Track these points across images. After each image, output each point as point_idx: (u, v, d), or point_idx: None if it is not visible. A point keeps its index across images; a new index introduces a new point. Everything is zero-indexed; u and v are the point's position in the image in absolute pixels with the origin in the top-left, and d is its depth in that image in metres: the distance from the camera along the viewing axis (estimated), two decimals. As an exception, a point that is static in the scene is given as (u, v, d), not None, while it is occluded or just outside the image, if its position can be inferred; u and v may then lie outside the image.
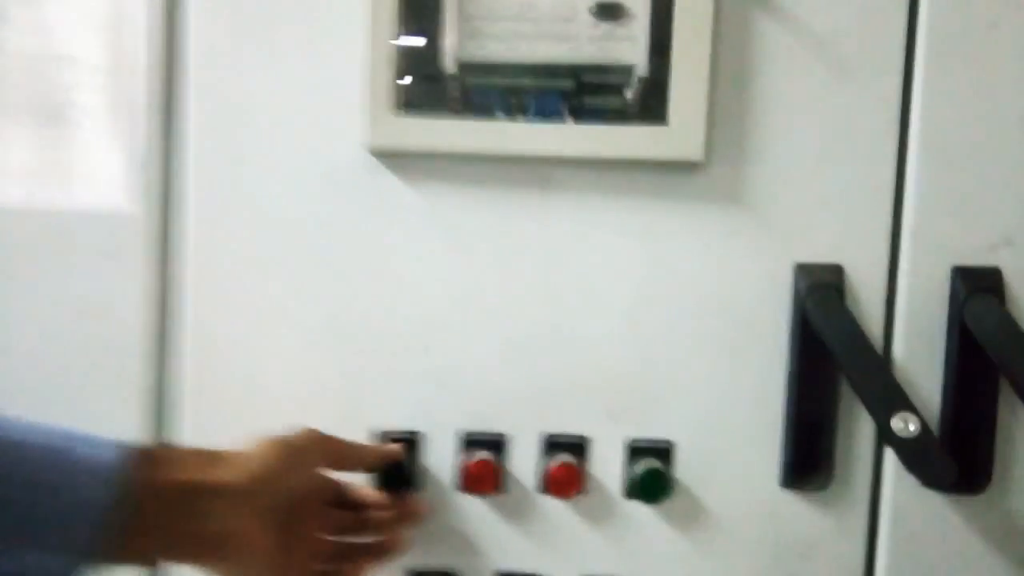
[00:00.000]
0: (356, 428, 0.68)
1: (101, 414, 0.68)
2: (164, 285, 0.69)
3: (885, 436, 0.61)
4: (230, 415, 0.69)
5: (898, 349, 0.67)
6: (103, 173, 0.68)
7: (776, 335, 0.68)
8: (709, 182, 0.67)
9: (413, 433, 0.69)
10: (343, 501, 0.65)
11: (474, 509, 0.69)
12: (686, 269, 0.68)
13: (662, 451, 0.68)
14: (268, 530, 0.53)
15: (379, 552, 0.64)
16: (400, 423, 0.69)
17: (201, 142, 0.69)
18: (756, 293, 0.68)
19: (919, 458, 0.58)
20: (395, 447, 0.67)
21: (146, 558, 0.51)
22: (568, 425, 0.69)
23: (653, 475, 0.67)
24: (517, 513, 0.69)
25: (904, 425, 0.61)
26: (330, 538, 0.62)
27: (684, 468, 0.69)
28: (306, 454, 0.57)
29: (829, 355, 0.65)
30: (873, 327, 0.67)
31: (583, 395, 0.69)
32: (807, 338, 0.66)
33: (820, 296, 0.65)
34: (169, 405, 0.70)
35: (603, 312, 0.68)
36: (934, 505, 0.68)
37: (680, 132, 0.65)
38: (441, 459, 0.69)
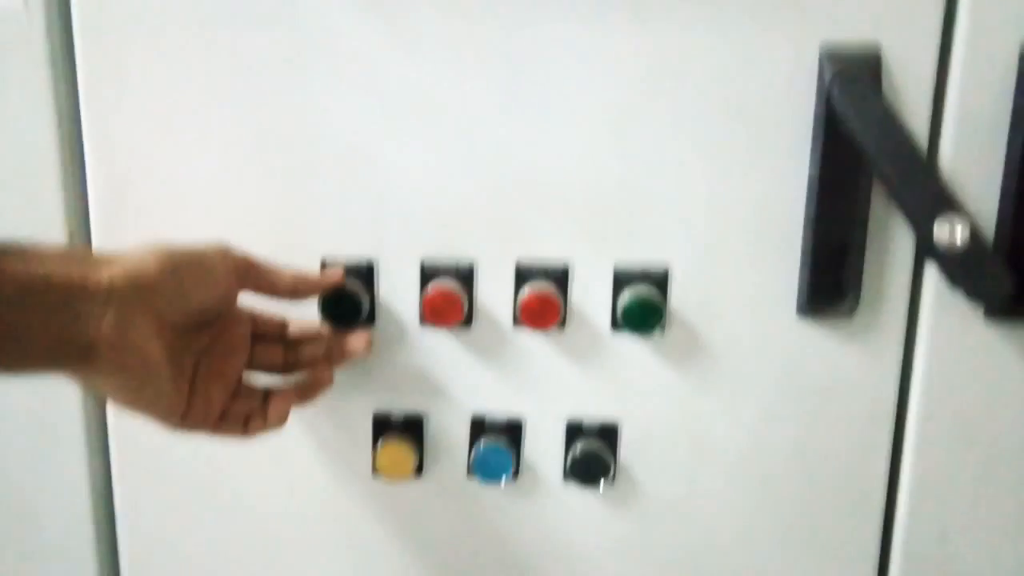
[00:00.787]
0: (299, 258, 0.59)
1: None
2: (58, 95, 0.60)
3: (926, 245, 0.50)
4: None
5: (946, 149, 0.54)
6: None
7: (797, 135, 0.55)
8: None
9: (365, 262, 0.60)
10: (272, 335, 0.57)
11: (441, 346, 0.61)
12: (686, 58, 0.55)
13: (655, 277, 0.58)
14: (155, 345, 0.46)
15: (303, 391, 0.56)
16: (351, 251, 0.60)
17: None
18: (773, 85, 0.55)
19: (966, 269, 0.48)
20: (332, 272, 0.58)
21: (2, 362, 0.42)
22: (545, 251, 0.59)
23: (643, 303, 0.57)
24: (489, 349, 0.61)
25: (949, 231, 0.49)
26: (253, 375, 0.55)
27: (682, 295, 0.58)
28: (213, 269, 0.49)
29: (860, 157, 0.53)
30: (917, 123, 0.54)
31: (561, 215, 0.58)
32: (834, 137, 0.54)
33: (851, 84, 0.53)
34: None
35: (585, 115, 0.56)
36: (979, 335, 0.57)
37: None
38: (401, 291, 0.60)
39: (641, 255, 0.58)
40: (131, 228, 0.59)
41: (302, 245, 0.60)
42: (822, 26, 0.54)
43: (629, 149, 0.57)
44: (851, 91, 0.52)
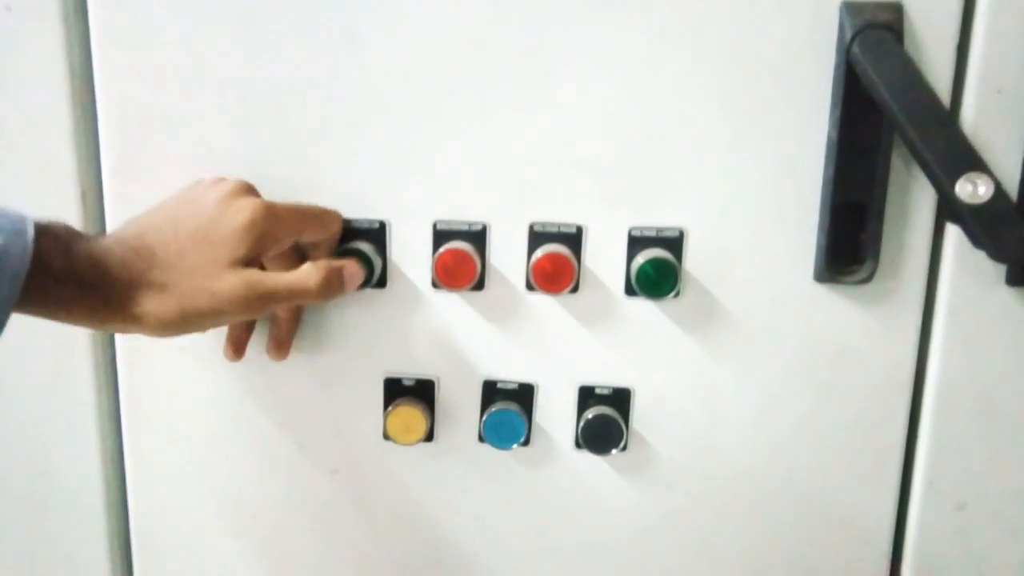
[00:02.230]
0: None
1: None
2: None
3: (948, 203, 0.49)
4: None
5: (969, 105, 0.53)
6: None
7: (816, 93, 0.54)
8: None
9: (376, 223, 0.59)
10: None
11: (452, 309, 0.60)
12: (702, 15, 0.54)
13: (670, 240, 0.57)
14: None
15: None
16: (362, 213, 0.59)
17: None
18: (790, 40, 0.54)
19: (990, 227, 0.47)
20: (330, 211, 0.58)
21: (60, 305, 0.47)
22: (558, 213, 0.58)
23: (658, 266, 0.56)
24: (501, 313, 0.60)
25: (973, 188, 0.48)
26: None
27: (696, 259, 0.58)
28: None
29: (881, 115, 0.52)
30: (939, 79, 0.53)
31: (575, 176, 0.57)
32: (854, 94, 0.53)
33: (872, 39, 0.52)
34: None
35: (600, 74, 0.56)
36: (1000, 301, 0.56)
37: None
38: (413, 253, 0.60)
39: (656, 217, 0.57)
40: (144, 186, 0.59)
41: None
42: (842, -18, 0.53)
43: (644, 109, 0.56)
44: (872, 46, 0.51)
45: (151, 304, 0.48)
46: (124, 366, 0.64)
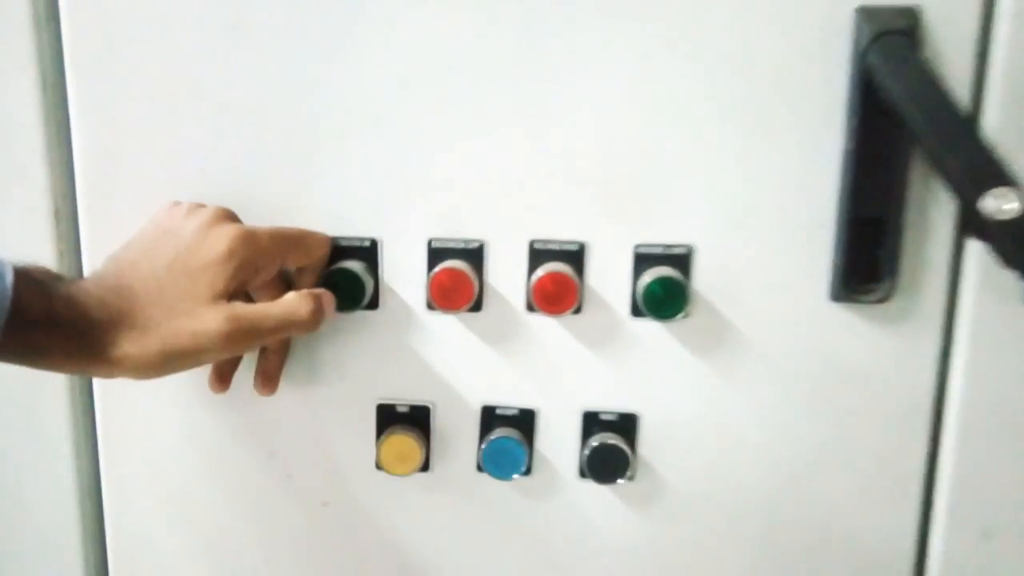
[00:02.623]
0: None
1: None
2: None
3: (973, 220, 0.46)
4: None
5: (991, 114, 0.50)
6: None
7: (829, 101, 0.51)
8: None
9: (367, 240, 0.56)
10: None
11: (449, 332, 0.57)
12: (705, 19, 0.51)
13: (678, 258, 0.55)
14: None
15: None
16: (352, 229, 0.56)
17: None
18: (802, 46, 0.51)
19: (1018, 243, 0.44)
20: (315, 234, 0.55)
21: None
22: (560, 230, 0.55)
23: (666, 286, 0.53)
24: (500, 336, 0.57)
25: (999, 204, 0.46)
26: None
27: (705, 278, 0.55)
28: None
29: (899, 126, 0.50)
30: (959, 86, 0.50)
31: (577, 190, 0.54)
32: (870, 103, 0.50)
33: (888, 46, 0.49)
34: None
35: (603, 82, 0.53)
36: (1025, 320, 0.53)
37: None
38: (406, 273, 0.57)
39: (663, 233, 0.54)
40: (120, 204, 0.56)
41: (300, 222, 0.56)
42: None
43: (650, 119, 0.53)
44: (889, 54, 0.49)
45: (130, 346, 0.45)
46: (100, 393, 0.61)
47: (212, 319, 0.47)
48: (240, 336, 0.47)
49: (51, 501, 0.63)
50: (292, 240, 0.53)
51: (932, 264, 0.53)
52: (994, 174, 0.46)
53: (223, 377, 0.57)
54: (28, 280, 0.44)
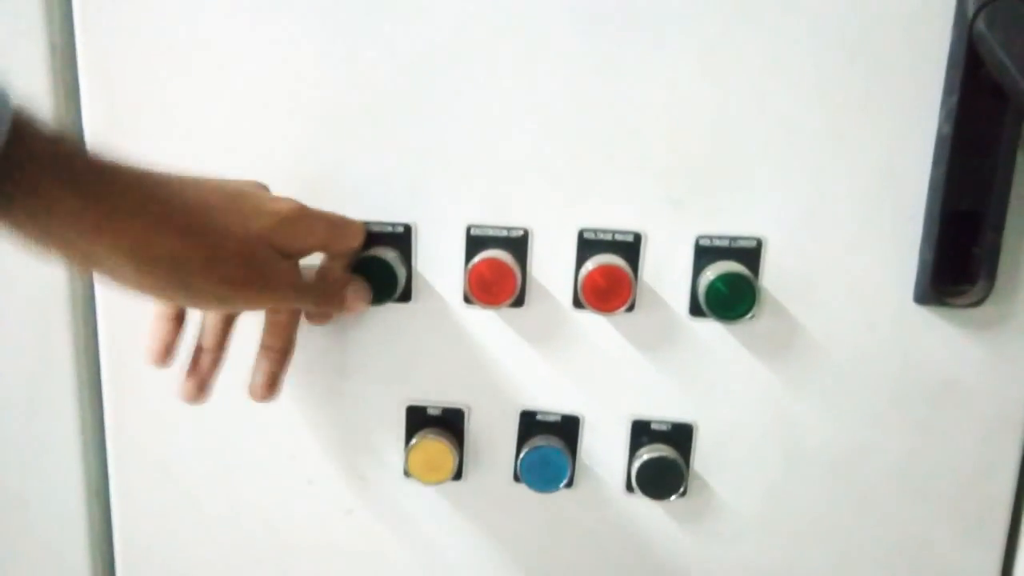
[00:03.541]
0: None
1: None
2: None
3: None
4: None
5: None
6: None
7: (925, 81, 0.46)
8: None
9: (400, 226, 0.51)
10: None
11: (487, 328, 0.52)
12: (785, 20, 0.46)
13: (745, 251, 0.49)
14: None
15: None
16: (385, 215, 0.51)
17: None
18: (897, 15, 0.45)
19: None
20: (353, 222, 0.51)
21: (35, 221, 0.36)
22: (612, 218, 0.50)
23: (731, 282, 0.48)
24: (544, 334, 0.52)
25: None
26: None
27: (775, 274, 0.49)
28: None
29: (1003, 108, 0.44)
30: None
31: (634, 174, 0.49)
32: (975, 83, 0.44)
33: (1002, 11, 0.43)
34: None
35: (669, 50, 0.47)
36: None
37: None
38: (442, 262, 0.52)
39: (729, 224, 0.49)
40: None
41: (327, 204, 0.51)
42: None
43: (720, 95, 0.47)
44: (1003, 21, 0.42)
45: (173, 241, 0.40)
46: (109, 391, 0.57)
47: (264, 255, 0.44)
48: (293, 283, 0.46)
49: (57, 504, 0.59)
50: (338, 225, 0.50)
51: (1033, 265, 0.48)
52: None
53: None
54: (35, 116, 0.36)
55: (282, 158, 0.51)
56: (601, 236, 0.50)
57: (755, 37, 0.46)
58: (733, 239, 0.49)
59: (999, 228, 0.46)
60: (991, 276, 0.47)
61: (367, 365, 0.54)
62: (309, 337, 0.54)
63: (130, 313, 0.52)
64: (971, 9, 0.43)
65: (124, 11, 0.50)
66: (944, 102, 0.46)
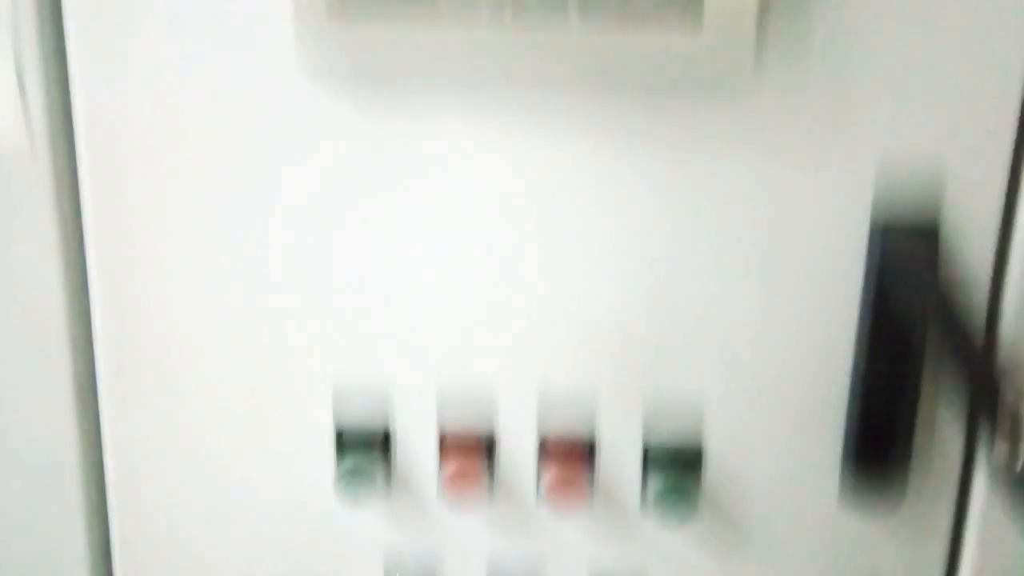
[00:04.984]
0: (307, 426, 0.55)
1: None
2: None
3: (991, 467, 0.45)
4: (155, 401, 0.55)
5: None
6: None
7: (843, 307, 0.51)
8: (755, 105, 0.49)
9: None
10: None
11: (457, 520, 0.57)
12: (721, 218, 0.50)
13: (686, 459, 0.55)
14: None
15: None
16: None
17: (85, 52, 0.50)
18: (820, 257, 0.51)
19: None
20: None
21: None
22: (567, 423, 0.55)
23: (674, 486, 0.53)
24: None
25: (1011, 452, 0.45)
26: None
27: (715, 478, 0.55)
28: None
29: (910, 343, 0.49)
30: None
31: (587, 380, 0.54)
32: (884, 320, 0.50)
33: (905, 269, 0.49)
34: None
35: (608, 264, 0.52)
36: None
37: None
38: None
39: (671, 430, 0.54)
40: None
41: (303, 411, 0.55)
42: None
43: (659, 290, 0.52)
44: (905, 276, 0.48)
45: None
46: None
47: None
48: None
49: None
50: None
51: (942, 473, 0.53)
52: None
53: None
54: None
55: (268, 383, 0.54)
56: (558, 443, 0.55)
57: (689, 265, 0.51)
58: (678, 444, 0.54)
59: (909, 438, 0.52)
60: (903, 482, 0.53)
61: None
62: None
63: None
64: (879, 262, 0.49)
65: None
66: (857, 337, 0.51)
